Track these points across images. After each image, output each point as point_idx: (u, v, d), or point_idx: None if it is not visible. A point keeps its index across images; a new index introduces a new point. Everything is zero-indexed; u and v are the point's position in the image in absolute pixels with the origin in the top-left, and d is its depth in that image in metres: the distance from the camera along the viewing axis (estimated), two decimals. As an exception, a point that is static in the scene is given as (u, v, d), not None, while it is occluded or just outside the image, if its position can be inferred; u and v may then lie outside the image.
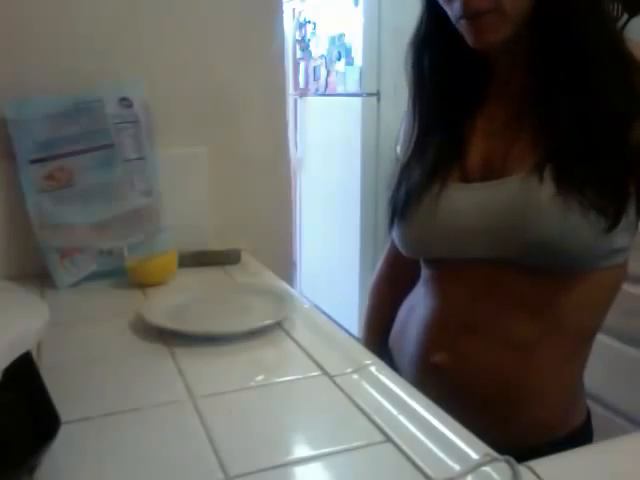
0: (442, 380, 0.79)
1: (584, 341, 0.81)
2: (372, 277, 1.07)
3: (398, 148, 0.93)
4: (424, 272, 0.88)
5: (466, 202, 0.77)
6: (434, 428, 0.57)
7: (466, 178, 0.79)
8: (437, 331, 0.83)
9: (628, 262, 0.78)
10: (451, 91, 0.83)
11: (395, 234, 0.86)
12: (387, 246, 1.02)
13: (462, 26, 0.75)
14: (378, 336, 0.98)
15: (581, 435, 0.82)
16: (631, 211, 0.72)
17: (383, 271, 1.05)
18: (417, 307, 0.88)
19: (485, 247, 0.76)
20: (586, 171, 0.70)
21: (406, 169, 0.86)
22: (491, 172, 0.77)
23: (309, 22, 3.25)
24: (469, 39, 0.75)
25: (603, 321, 0.81)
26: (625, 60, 0.71)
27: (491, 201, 0.75)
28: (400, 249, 0.87)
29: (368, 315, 1.06)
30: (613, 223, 0.70)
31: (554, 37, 0.73)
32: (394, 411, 0.60)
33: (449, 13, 0.76)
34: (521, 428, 0.78)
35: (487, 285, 0.77)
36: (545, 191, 0.70)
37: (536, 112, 0.75)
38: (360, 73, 2.78)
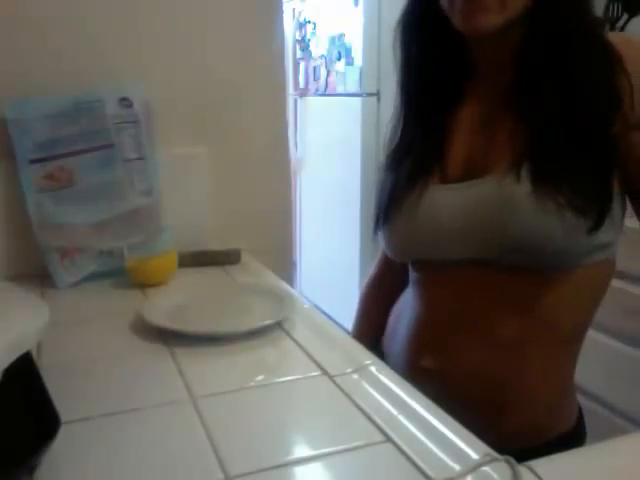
0: (431, 383, 0.78)
1: (572, 339, 0.80)
2: (364, 281, 1.08)
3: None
4: (411, 275, 0.88)
5: (446, 203, 0.77)
6: (434, 428, 0.57)
7: (447, 178, 0.79)
8: (424, 333, 0.83)
9: (615, 258, 0.78)
10: (435, 84, 0.82)
11: (380, 237, 0.86)
12: (380, 250, 1.02)
13: (456, 6, 0.73)
14: (366, 341, 0.98)
15: (572, 436, 0.82)
16: (615, 210, 0.72)
17: (374, 275, 1.05)
18: (405, 310, 0.89)
19: (466, 247, 0.76)
20: (563, 170, 0.70)
21: (390, 171, 0.86)
22: (472, 171, 0.77)
23: (309, 22, 3.25)
24: (459, 22, 0.74)
25: (592, 319, 0.81)
26: (608, 58, 0.71)
27: (469, 201, 0.75)
28: (386, 252, 0.87)
29: (356, 319, 1.06)
30: (596, 224, 0.70)
31: (541, 36, 0.72)
32: (394, 411, 0.60)
33: None
34: (510, 429, 0.77)
35: (472, 286, 0.77)
36: (522, 189, 0.70)
37: (516, 109, 0.75)
38: (360, 73, 2.78)
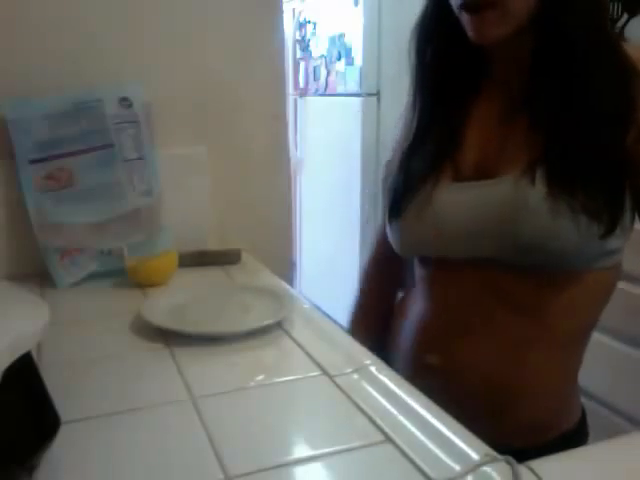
0: (435, 381, 0.78)
1: (575, 342, 0.80)
2: (364, 260, 1.07)
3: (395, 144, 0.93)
4: (418, 271, 0.88)
5: (456, 202, 0.77)
6: (434, 428, 0.57)
7: (459, 177, 0.79)
8: (430, 331, 0.83)
9: (622, 264, 0.78)
10: (450, 85, 0.82)
11: (388, 232, 0.86)
12: (378, 230, 1.01)
13: (464, 18, 0.74)
14: (367, 321, 0.98)
15: (573, 436, 0.82)
16: (626, 215, 0.72)
17: (373, 256, 1.04)
18: (412, 306, 0.89)
19: (474, 247, 0.76)
20: (577, 173, 0.70)
21: (403, 165, 0.86)
22: (485, 171, 0.77)
23: (309, 22, 3.25)
24: (470, 33, 0.75)
25: (595, 322, 0.81)
26: (621, 63, 0.71)
27: (481, 201, 0.75)
28: (393, 246, 0.87)
29: (357, 300, 1.05)
30: (608, 229, 0.70)
31: (553, 39, 0.72)
32: (394, 411, 0.60)
33: (451, 2, 0.75)
34: (512, 429, 0.78)
35: (478, 286, 0.77)
36: (536, 192, 0.70)
37: (530, 111, 0.75)
38: (360, 73, 2.78)
